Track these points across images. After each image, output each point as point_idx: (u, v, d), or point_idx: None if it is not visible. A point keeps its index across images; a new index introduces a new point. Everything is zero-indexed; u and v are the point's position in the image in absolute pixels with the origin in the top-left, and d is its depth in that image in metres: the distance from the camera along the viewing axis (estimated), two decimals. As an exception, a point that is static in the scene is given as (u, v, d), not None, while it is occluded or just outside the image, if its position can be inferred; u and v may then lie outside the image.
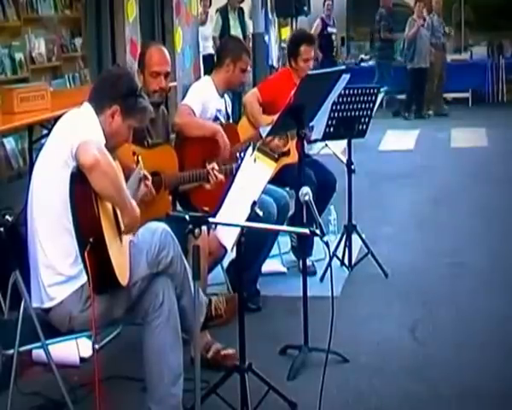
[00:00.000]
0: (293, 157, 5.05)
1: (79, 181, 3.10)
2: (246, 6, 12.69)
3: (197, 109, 4.72)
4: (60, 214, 3.17)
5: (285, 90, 5.14)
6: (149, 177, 3.83)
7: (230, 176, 4.36)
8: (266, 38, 13.09)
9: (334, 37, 13.74)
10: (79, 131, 3.18)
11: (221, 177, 4.34)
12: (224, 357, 3.99)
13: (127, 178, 3.56)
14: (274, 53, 14.51)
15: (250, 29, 12.29)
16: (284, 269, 5.60)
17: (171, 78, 4.59)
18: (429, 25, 13.43)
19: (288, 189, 5.22)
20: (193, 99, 4.77)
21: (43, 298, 3.25)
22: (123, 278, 3.21)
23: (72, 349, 3.99)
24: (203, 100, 4.79)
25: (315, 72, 4.89)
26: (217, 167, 4.37)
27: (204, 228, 3.04)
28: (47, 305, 3.25)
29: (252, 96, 5.44)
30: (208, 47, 12.40)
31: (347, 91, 5.20)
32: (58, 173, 3.17)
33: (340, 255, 5.55)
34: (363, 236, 5.56)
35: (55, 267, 3.21)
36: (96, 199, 3.10)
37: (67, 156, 3.14)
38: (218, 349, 4.05)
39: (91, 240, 3.05)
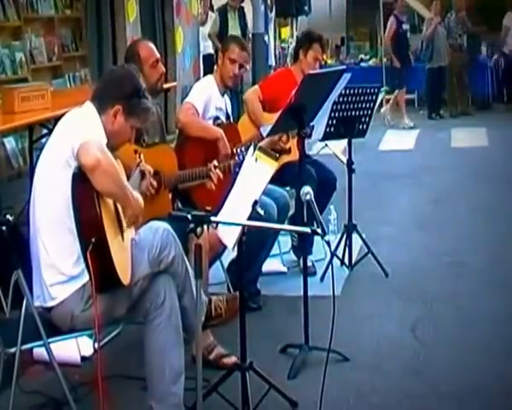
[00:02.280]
0: (294, 155, 5.06)
1: (81, 181, 3.10)
2: (246, 5, 12.67)
3: (200, 108, 4.73)
4: (62, 214, 3.18)
5: (286, 88, 5.15)
6: (150, 169, 3.84)
7: (230, 175, 4.38)
8: (266, 38, 13.09)
9: (408, 34, 12.85)
10: (80, 132, 3.18)
11: (221, 174, 4.33)
12: (226, 365, 3.93)
13: (129, 178, 3.57)
14: (272, 52, 14.49)
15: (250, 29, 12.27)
16: (284, 269, 5.60)
17: (172, 77, 4.62)
18: (445, 25, 13.31)
19: (288, 188, 5.23)
20: (196, 98, 4.77)
21: (45, 297, 3.25)
22: (124, 277, 3.21)
23: (73, 348, 4.00)
24: (206, 99, 4.80)
25: (316, 71, 4.90)
26: (216, 164, 4.37)
27: (205, 227, 3.03)
28: (49, 304, 3.26)
29: (252, 94, 5.46)
30: (208, 47, 12.38)
31: (348, 91, 5.21)
32: (60, 173, 3.18)
33: (340, 255, 5.56)
34: (364, 235, 5.56)
35: (58, 267, 3.22)
36: (98, 199, 3.10)
37: (69, 156, 3.15)
38: (221, 355, 4.04)
39: (93, 240, 3.06)
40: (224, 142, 4.70)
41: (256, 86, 5.65)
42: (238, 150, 4.58)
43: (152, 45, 4.45)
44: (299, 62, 5.57)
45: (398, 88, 12.66)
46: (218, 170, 4.30)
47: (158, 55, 4.41)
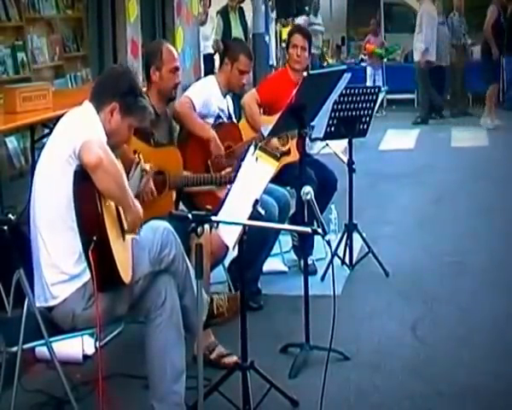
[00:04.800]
0: (294, 156, 5.07)
1: (82, 180, 3.11)
2: (245, 5, 12.67)
3: (197, 104, 4.73)
4: (63, 213, 3.18)
5: (283, 89, 5.16)
6: (149, 170, 3.85)
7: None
8: (267, 38, 13.09)
9: (503, 25, 12.32)
10: (81, 131, 3.19)
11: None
12: (227, 365, 3.92)
13: (128, 174, 3.58)
14: (273, 51, 14.49)
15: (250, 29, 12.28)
16: (285, 268, 5.61)
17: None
18: (449, 25, 13.28)
19: (288, 188, 5.24)
20: (195, 94, 4.79)
21: (46, 296, 3.26)
22: (126, 275, 3.22)
23: (75, 346, 4.00)
24: (205, 97, 4.81)
25: (316, 71, 4.91)
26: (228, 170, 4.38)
27: (207, 227, 3.04)
28: (50, 303, 3.26)
29: (250, 98, 5.44)
30: (208, 47, 12.39)
31: (348, 91, 5.22)
32: (61, 173, 3.18)
33: (340, 254, 5.56)
34: (364, 235, 5.57)
35: (59, 266, 3.23)
36: (100, 198, 3.11)
37: (69, 156, 3.15)
38: (222, 354, 4.04)
39: (95, 238, 3.07)
40: (215, 143, 4.70)
41: (253, 90, 5.63)
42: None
43: (175, 52, 4.49)
44: (288, 63, 5.57)
45: (492, 83, 12.30)
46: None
47: (178, 64, 4.44)
